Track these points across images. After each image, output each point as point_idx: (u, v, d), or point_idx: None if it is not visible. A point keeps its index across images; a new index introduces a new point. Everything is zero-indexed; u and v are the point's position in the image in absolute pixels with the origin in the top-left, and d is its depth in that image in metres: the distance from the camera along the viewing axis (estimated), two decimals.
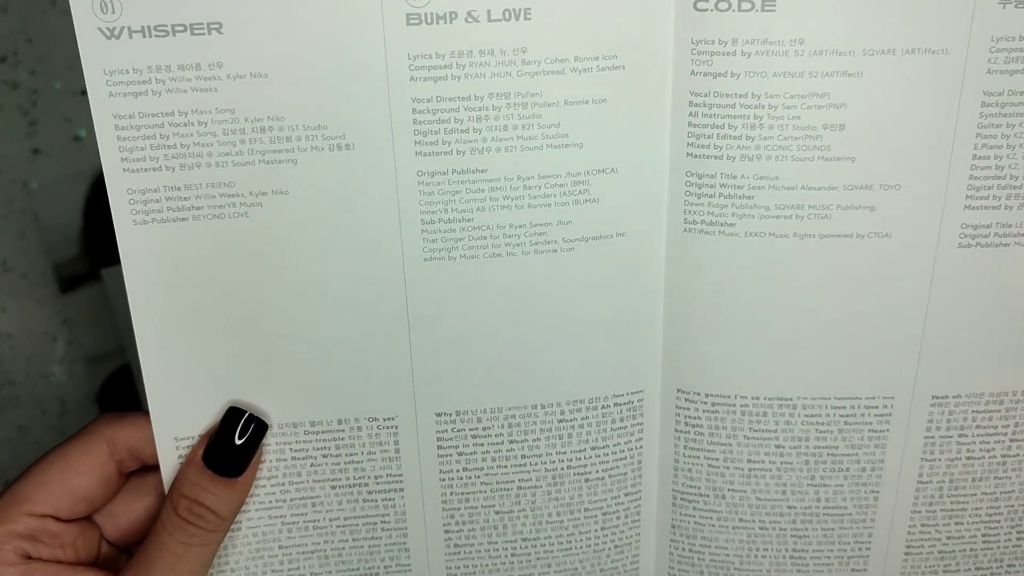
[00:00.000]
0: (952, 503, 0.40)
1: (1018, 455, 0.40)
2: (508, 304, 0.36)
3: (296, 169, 0.33)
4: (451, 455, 0.38)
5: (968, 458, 0.40)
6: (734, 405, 0.39)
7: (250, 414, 0.35)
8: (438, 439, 0.38)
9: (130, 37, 0.31)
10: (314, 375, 0.36)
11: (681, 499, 0.41)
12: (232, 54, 0.32)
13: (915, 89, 0.34)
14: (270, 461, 0.37)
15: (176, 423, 0.36)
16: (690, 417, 0.39)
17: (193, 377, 0.35)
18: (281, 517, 0.38)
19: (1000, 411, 0.39)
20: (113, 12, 0.31)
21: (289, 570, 0.39)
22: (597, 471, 0.40)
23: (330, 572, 0.39)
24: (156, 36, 0.31)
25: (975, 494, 0.40)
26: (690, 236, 0.36)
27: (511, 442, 0.38)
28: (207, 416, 0.36)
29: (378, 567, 0.40)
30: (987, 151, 0.35)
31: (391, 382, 0.37)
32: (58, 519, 0.34)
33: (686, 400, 0.39)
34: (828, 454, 0.39)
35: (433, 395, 0.37)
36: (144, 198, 0.33)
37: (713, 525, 0.41)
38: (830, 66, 0.33)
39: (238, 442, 0.35)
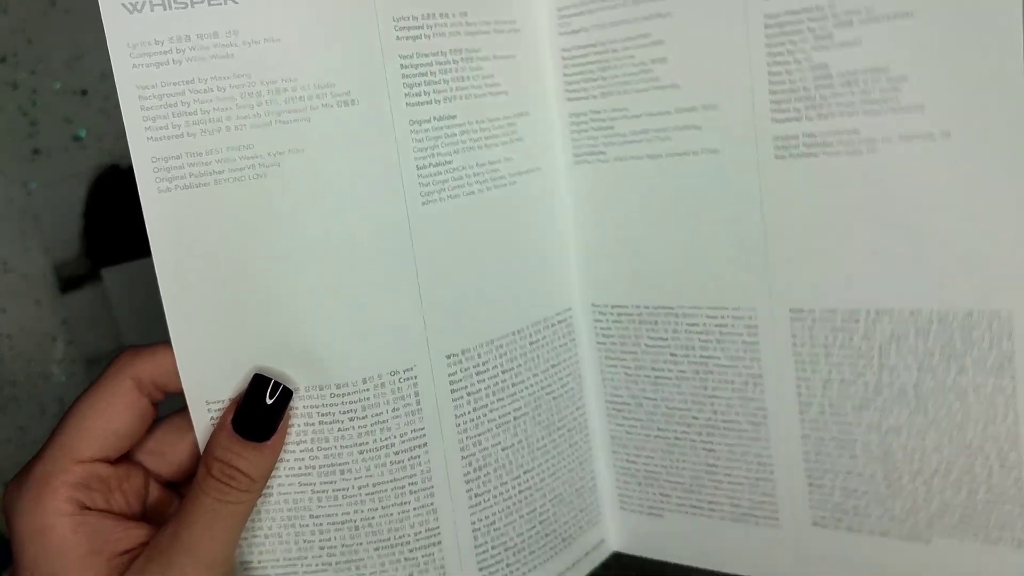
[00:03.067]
0: (839, 431, 0.40)
1: (891, 384, 0.39)
2: (483, 238, 0.40)
3: (310, 126, 0.35)
4: (462, 396, 0.40)
5: (841, 381, 0.40)
6: (632, 315, 0.43)
7: (275, 380, 0.36)
8: (451, 382, 0.39)
9: (151, 10, 0.33)
10: (335, 332, 0.37)
11: (613, 409, 0.45)
12: (247, 21, 0.34)
13: (714, 18, 0.38)
14: (298, 425, 0.38)
15: (206, 387, 0.36)
16: (603, 328, 0.44)
17: (220, 341, 0.36)
18: (311, 485, 0.38)
19: (859, 330, 0.39)
20: None
21: (321, 541, 0.39)
22: (557, 389, 0.43)
23: (360, 543, 0.39)
24: (176, 8, 0.33)
25: (860, 425, 0.40)
26: (580, 168, 0.42)
27: (503, 372, 0.41)
28: (236, 379, 0.37)
29: (408, 534, 0.40)
30: (778, 67, 0.38)
31: (406, 330, 0.38)
32: (106, 462, 0.35)
33: (599, 313, 0.44)
34: (714, 364, 0.42)
35: (442, 338, 0.39)
36: (167, 165, 0.34)
37: (639, 433, 0.44)
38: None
39: (267, 404, 0.36)
